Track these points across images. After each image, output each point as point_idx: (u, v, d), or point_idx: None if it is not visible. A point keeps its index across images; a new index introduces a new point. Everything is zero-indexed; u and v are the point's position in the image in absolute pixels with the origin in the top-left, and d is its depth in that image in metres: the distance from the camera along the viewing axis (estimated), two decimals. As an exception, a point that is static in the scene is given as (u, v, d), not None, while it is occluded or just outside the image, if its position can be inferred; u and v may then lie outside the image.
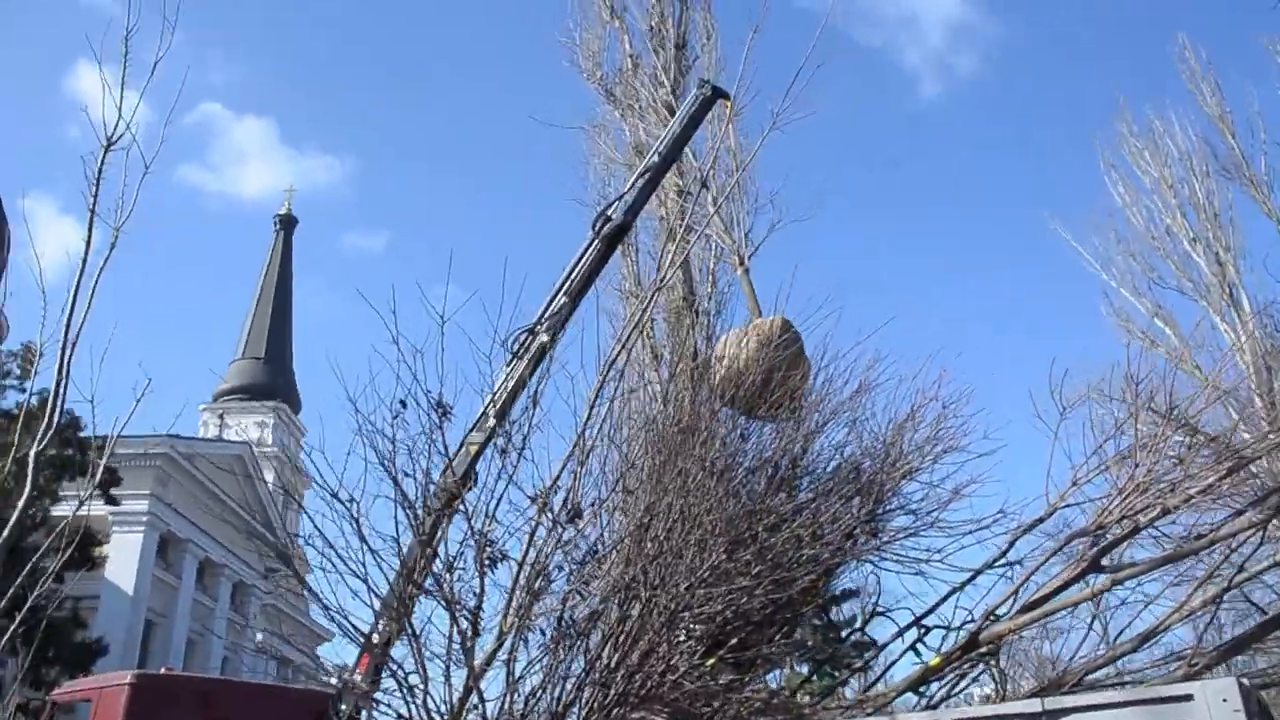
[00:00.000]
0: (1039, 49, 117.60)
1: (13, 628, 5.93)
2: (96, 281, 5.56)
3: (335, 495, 6.24)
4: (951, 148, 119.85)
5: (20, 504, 6.05)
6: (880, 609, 8.47)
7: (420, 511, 6.44)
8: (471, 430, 7.65)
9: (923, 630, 8.15)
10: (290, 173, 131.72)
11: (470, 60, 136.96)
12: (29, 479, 6.27)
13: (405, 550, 6.78)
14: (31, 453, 5.66)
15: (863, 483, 8.01)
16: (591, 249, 9.26)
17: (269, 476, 49.69)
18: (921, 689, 7.60)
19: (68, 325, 5.44)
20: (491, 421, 7.68)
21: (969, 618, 7.94)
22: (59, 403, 5.41)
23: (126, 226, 5.76)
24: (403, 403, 6.54)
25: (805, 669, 10.37)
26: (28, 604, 6.62)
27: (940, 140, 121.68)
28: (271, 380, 61.94)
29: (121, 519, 33.19)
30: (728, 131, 13.23)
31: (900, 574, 8.25)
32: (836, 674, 9.39)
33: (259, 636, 45.83)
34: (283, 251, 68.10)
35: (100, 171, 5.78)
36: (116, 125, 5.90)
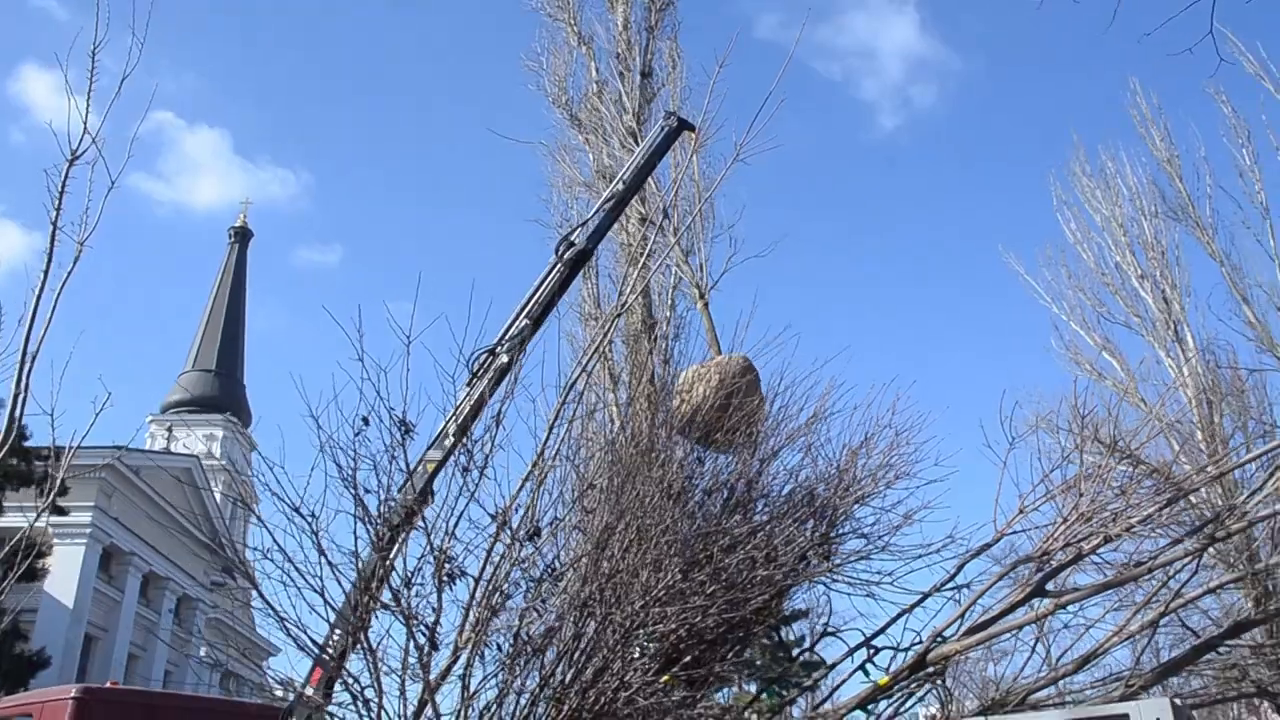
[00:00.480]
0: (995, 84, 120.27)
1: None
2: (58, 296, 5.57)
3: (297, 510, 6.27)
4: (910, 178, 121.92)
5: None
6: (830, 629, 8.66)
7: (380, 527, 6.48)
8: (430, 448, 7.72)
9: (872, 650, 8.34)
10: (243, 184, 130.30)
11: (428, 78, 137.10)
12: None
13: (363, 563, 6.83)
14: (-7, 461, 5.65)
15: (816, 506, 8.18)
16: (554, 273, 9.39)
17: (217, 489, 49.07)
18: (869, 707, 7.78)
19: (27, 338, 5.44)
20: (450, 440, 7.76)
21: (917, 639, 8.15)
22: (18, 415, 5.41)
23: (88, 240, 5.78)
24: (365, 419, 6.60)
25: (753, 688, 10.51)
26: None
27: (899, 171, 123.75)
28: (222, 393, 61.23)
29: (64, 531, 32.54)
30: (691, 162, 13.44)
31: (851, 595, 8.44)
32: (785, 693, 9.54)
33: (203, 650, 45.12)
34: (236, 264, 67.45)
35: (64, 186, 5.80)
36: (81, 139, 5.91)
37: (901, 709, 8.37)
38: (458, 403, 8.13)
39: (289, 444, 7.08)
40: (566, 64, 17.96)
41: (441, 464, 7.56)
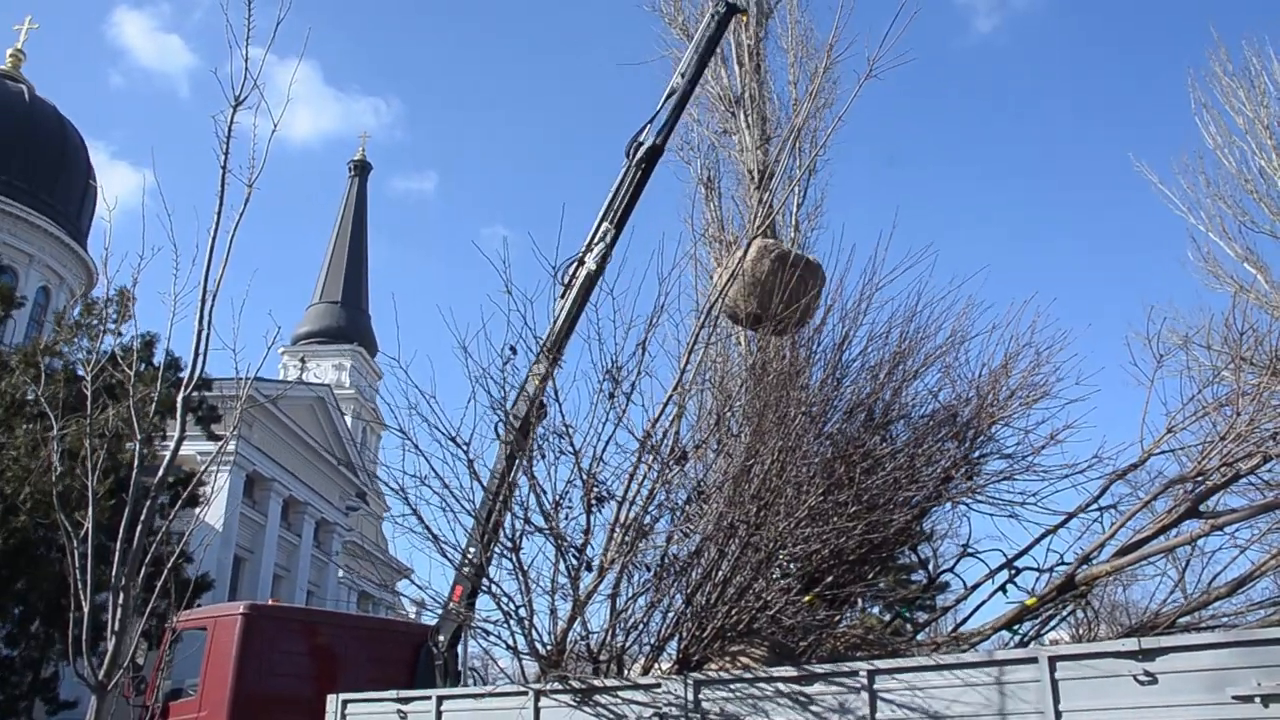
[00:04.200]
0: None
1: (135, 557, 6.28)
2: (233, 237, 5.83)
3: (453, 439, 6.51)
4: (1012, 86, 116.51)
5: (135, 446, 6.44)
6: (971, 550, 8.58)
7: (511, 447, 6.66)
8: (534, 363, 7.88)
9: (1014, 571, 8.27)
10: (336, 115, 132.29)
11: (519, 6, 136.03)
12: (146, 423, 6.67)
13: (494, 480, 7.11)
14: (179, 401, 6.01)
15: (958, 427, 8.09)
16: (629, 175, 9.50)
17: (348, 417, 51.02)
18: (1015, 628, 7.74)
19: (205, 277, 5.72)
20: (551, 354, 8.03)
21: (1060, 560, 8.04)
22: (203, 350, 5.72)
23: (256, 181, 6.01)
24: (513, 349, 6.78)
25: (877, 610, 10.56)
26: (153, 539, 6.97)
27: (1000, 78, 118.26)
28: (348, 324, 63.19)
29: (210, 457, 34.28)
30: (812, 81, 13.12)
31: (994, 516, 8.34)
32: (908, 614, 9.56)
33: (340, 572, 47.40)
34: (357, 197, 68.95)
35: (230, 130, 6.03)
36: (243, 85, 6.12)
37: (1042, 631, 8.32)
38: (555, 313, 8.30)
39: (413, 370, 7.26)
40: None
41: (547, 376, 7.71)
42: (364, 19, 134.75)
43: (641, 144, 9.59)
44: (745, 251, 9.82)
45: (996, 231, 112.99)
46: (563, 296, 8.66)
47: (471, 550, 7.36)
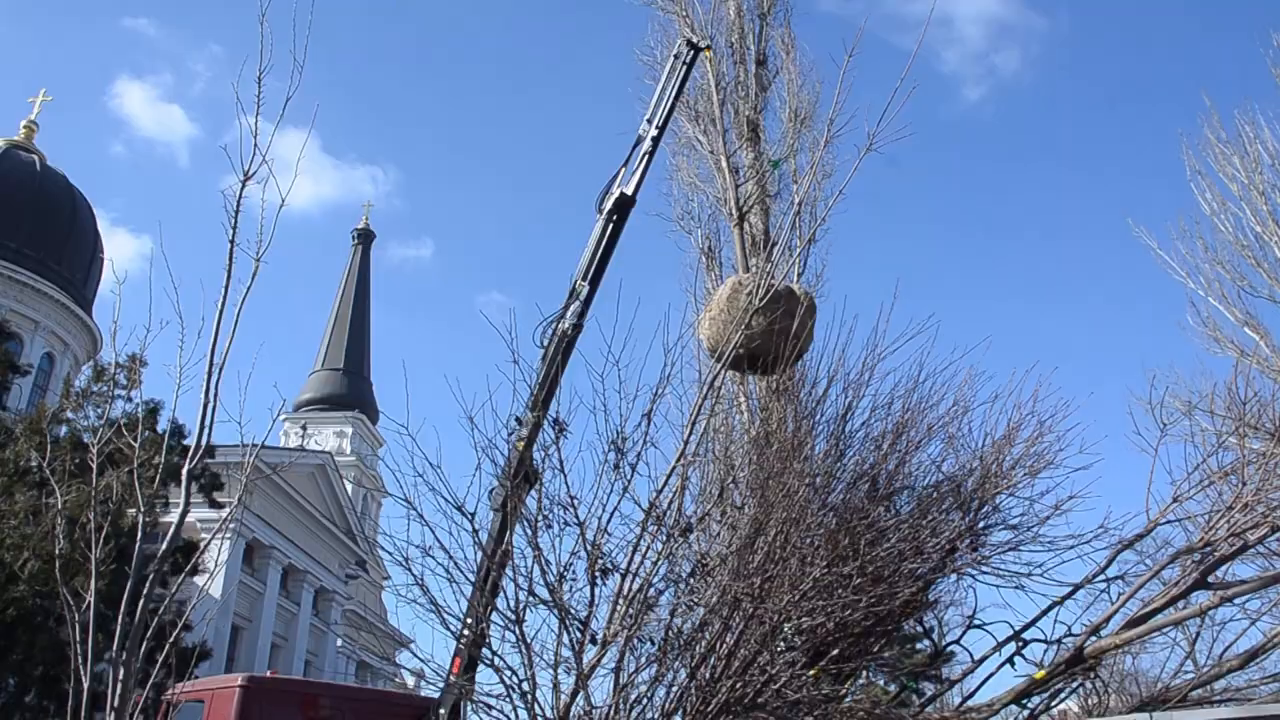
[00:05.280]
0: (1083, 44, 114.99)
1: (136, 629, 6.23)
2: (240, 310, 5.89)
3: (459, 509, 6.51)
4: (1003, 154, 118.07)
5: (140, 514, 6.43)
6: (978, 622, 8.50)
7: (536, 522, 6.66)
8: (520, 426, 7.86)
9: (1021, 644, 8.19)
10: (334, 183, 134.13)
11: (521, 69, 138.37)
12: (149, 491, 6.66)
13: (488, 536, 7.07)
14: (184, 473, 6.03)
15: (962, 497, 8.07)
16: (601, 230, 9.47)
17: (349, 484, 50.85)
18: (1024, 701, 7.65)
19: (213, 350, 5.77)
20: (534, 415, 7.99)
21: (1068, 632, 7.97)
22: (209, 423, 5.75)
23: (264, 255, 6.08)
24: (518, 419, 6.80)
25: (882, 680, 10.42)
26: (154, 611, 6.92)
27: (990, 147, 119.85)
28: (350, 391, 63.32)
29: (210, 526, 34.18)
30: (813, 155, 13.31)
31: (1000, 588, 8.28)
32: (915, 686, 9.44)
33: (339, 641, 46.83)
34: (360, 264, 69.56)
35: (239, 205, 6.11)
36: (252, 160, 6.22)
37: (1051, 705, 8.21)
38: (538, 373, 8.30)
39: (417, 438, 7.24)
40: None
41: (531, 441, 7.68)
42: (361, 88, 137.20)
43: (611, 195, 9.59)
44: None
45: (997, 299, 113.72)
46: (542, 358, 8.67)
47: (469, 620, 7.31)
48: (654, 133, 10.16)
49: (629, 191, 9.76)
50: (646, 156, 10.10)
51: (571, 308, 9.02)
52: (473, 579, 6.85)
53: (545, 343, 8.79)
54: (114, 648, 6.00)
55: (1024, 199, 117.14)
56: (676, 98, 10.67)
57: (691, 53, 10.67)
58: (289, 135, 6.57)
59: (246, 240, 6.09)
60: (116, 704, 5.53)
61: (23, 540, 16.31)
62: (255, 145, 6.14)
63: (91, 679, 6.03)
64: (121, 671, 5.65)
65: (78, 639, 5.92)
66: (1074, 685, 8.16)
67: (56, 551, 7.22)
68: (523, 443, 7.70)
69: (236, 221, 5.95)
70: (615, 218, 9.60)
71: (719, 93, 16.92)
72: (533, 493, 6.85)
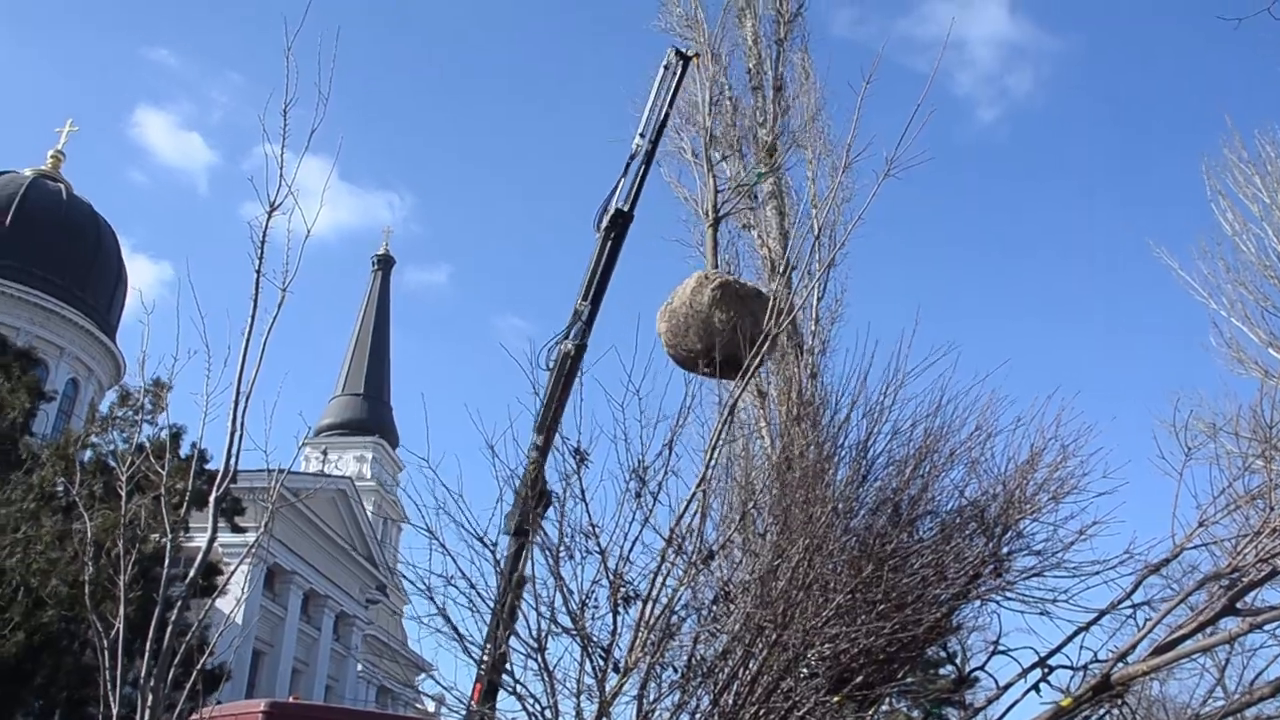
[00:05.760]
0: (1097, 64, 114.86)
1: (165, 655, 6.28)
2: (266, 340, 5.97)
3: (480, 539, 6.54)
4: (1018, 176, 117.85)
5: (169, 538, 6.51)
6: (1003, 648, 8.44)
7: (559, 551, 6.69)
8: (529, 449, 7.85)
9: (1046, 670, 8.12)
10: (351, 210, 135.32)
11: (535, 88, 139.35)
12: (175, 517, 6.75)
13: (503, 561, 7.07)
14: (211, 501, 6.09)
15: (986, 523, 8.04)
16: (601, 248, 9.40)
17: (369, 509, 50.99)
18: (1050, 730, 7.57)
19: (239, 380, 5.85)
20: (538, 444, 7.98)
21: (1094, 658, 7.90)
22: (236, 453, 5.82)
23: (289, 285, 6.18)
24: (536, 446, 6.83)
25: (904, 705, 10.31)
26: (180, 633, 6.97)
27: (1006, 169, 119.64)
28: (370, 416, 63.60)
29: (232, 551, 34.31)
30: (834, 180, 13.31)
31: (1024, 613, 8.22)
32: (940, 712, 9.36)
33: (360, 666, 46.83)
34: (380, 290, 70.04)
35: (265, 234, 6.21)
36: (278, 190, 6.32)
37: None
38: (543, 394, 8.28)
39: (437, 466, 7.27)
40: (697, 82, 18.09)
41: (541, 463, 7.67)
42: (374, 113, 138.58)
43: (608, 212, 9.54)
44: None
45: (1015, 320, 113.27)
46: (550, 379, 8.67)
47: (488, 647, 7.32)
48: (646, 146, 10.05)
49: (624, 207, 9.72)
50: (641, 170, 9.98)
51: (574, 328, 9.02)
52: (493, 606, 6.87)
53: (550, 364, 8.81)
54: (142, 673, 6.06)
55: (1041, 220, 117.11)
56: (669, 109, 10.52)
57: (681, 63, 10.54)
58: (307, 162, 6.66)
59: (271, 269, 6.19)
60: (144, 731, 5.58)
61: (50, 565, 16.46)
62: (281, 176, 6.25)
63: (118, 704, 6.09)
64: (150, 697, 5.70)
65: (107, 665, 5.98)
66: (1101, 712, 8.08)
67: (85, 577, 7.29)
68: (534, 466, 7.72)
69: (263, 252, 6.05)
70: (614, 235, 9.55)
71: (737, 118, 17.03)
72: (553, 521, 6.87)
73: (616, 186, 9.84)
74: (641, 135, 10.06)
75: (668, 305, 9.79)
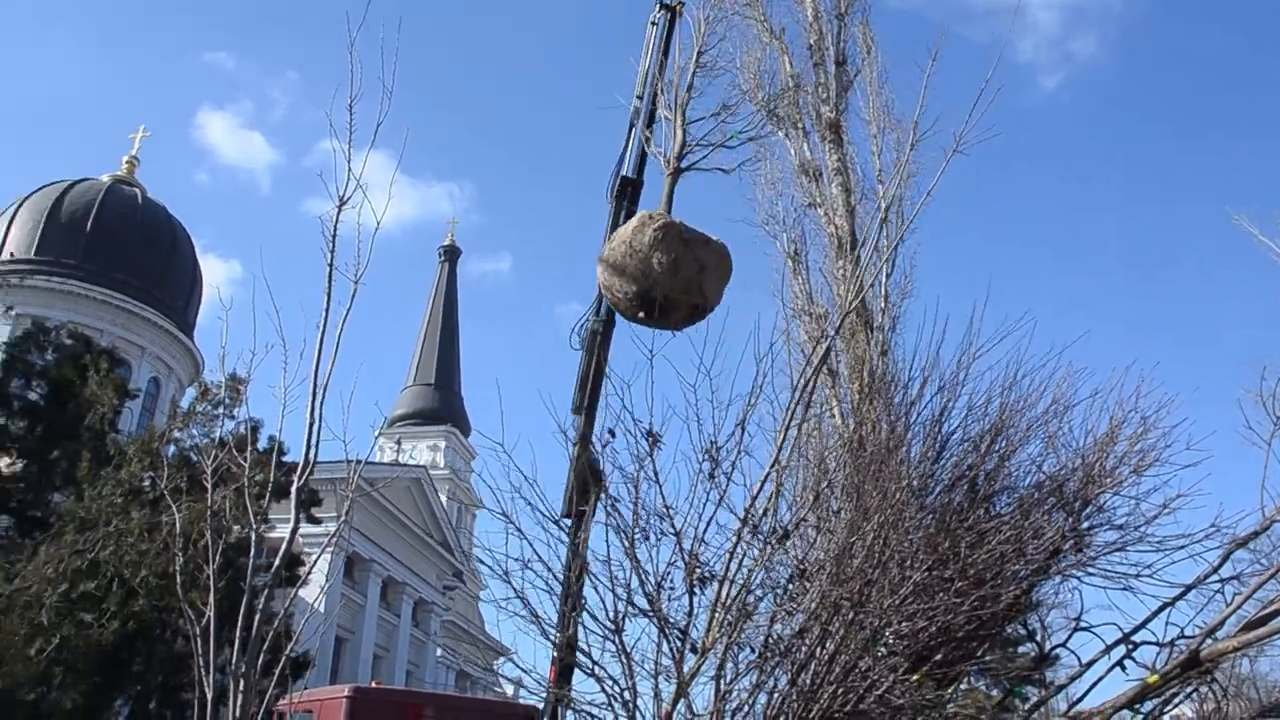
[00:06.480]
0: (1165, 25, 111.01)
1: (254, 643, 6.47)
2: (341, 331, 6.10)
3: (556, 521, 6.61)
4: (1085, 142, 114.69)
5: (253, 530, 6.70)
6: (1085, 625, 8.29)
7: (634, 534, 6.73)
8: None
9: (1131, 647, 7.97)
10: (412, 202, 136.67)
11: (592, 81, 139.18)
12: (257, 508, 6.95)
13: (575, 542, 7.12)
14: (293, 491, 6.25)
15: (1065, 498, 7.90)
16: (615, 217, 9.22)
17: (443, 497, 51.75)
18: (1137, 706, 7.44)
19: (316, 371, 5.99)
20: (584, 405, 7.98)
21: (1180, 634, 7.73)
22: (315, 443, 5.97)
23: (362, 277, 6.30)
24: (611, 432, 6.87)
25: (983, 684, 10.19)
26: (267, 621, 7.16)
27: (1071, 135, 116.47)
28: (442, 405, 64.47)
29: (312, 541, 35.09)
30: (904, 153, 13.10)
31: (1107, 589, 8.07)
32: (1020, 692, 9.22)
33: (439, 651, 47.65)
34: (447, 280, 70.84)
35: (335, 228, 6.33)
36: (346, 185, 6.43)
37: (1164, 711, 7.97)
38: (578, 373, 8.22)
39: (499, 451, 7.34)
40: (759, 60, 17.92)
41: (584, 441, 7.66)
42: (430, 105, 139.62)
43: (623, 177, 9.42)
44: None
45: (1092, 293, 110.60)
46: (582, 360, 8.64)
47: (560, 628, 7.39)
48: (635, 106, 9.78)
49: (630, 174, 9.56)
50: (643, 133, 9.67)
51: (602, 304, 8.96)
52: (561, 587, 6.95)
53: (580, 344, 8.79)
54: (232, 659, 6.25)
55: (1112, 189, 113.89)
56: (661, 64, 9.90)
57: (667, 15, 10.18)
58: (373, 157, 6.74)
59: (341, 263, 6.31)
60: (238, 713, 5.76)
61: (139, 557, 17.03)
62: (350, 171, 6.35)
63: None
64: (241, 682, 5.88)
65: (200, 650, 6.18)
66: (1189, 690, 7.91)
67: (175, 568, 7.54)
68: (579, 446, 7.74)
69: (334, 245, 6.17)
70: (624, 203, 9.42)
71: (800, 95, 16.85)
72: (627, 503, 6.90)
73: (624, 153, 9.73)
74: (638, 98, 9.87)
75: (607, 244, 8.86)
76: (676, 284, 7.80)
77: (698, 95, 9.41)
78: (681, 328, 8.26)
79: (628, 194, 9.44)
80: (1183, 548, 7.83)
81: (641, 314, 8.12)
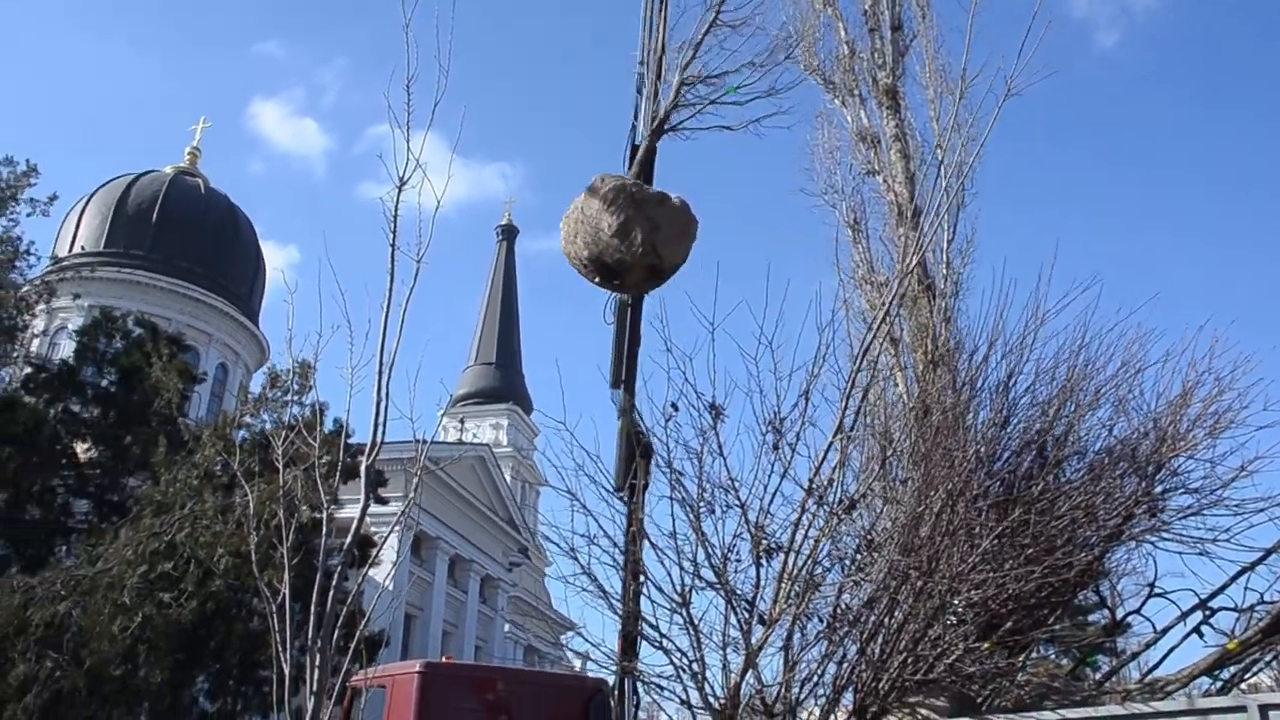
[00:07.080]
0: None
1: (328, 620, 6.59)
2: (405, 311, 6.18)
3: (620, 497, 6.65)
4: (1146, 99, 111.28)
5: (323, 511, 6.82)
6: (1160, 590, 8.15)
7: (699, 508, 6.75)
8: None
9: (1208, 612, 7.81)
10: (465, 182, 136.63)
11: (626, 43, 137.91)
12: (327, 488, 7.07)
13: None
14: (363, 470, 6.35)
15: (1137, 462, 7.74)
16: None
17: (508, 474, 52.31)
18: (1215, 673, 7.30)
19: (381, 350, 6.08)
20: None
21: (1261, 600, 7.57)
22: (382, 422, 6.07)
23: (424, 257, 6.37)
24: (674, 405, 6.88)
25: (1052, 653, 10.04)
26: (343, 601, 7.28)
27: (1133, 92, 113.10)
28: (503, 384, 65.03)
29: (380, 520, 35.67)
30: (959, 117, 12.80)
31: (1182, 554, 7.90)
32: (1092, 659, 9.09)
33: (506, 627, 48.31)
34: (506, 260, 71.25)
35: (396, 209, 6.39)
36: (405, 166, 6.48)
37: (1244, 677, 7.80)
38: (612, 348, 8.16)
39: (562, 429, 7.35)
40: (814, 29, 17.65)
41: (628, 414, 7.62)
42: (480, 85, 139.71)
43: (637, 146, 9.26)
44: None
45: (1161, 252, 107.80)
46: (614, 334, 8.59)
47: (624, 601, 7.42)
48: (639, 69, 9.56)
49: (641, 143, 9.39)
50: (650, 97, 9.43)
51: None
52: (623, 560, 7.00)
53: (611, 318, 8.73)
54: (309, 636, 6.40)
55: (1173, 148, 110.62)
56: (663, 28, 9.73)
57: None
58: (417, 139, 6.75)
59: (402, 244, 6.38)
60: (315, 688, 5.90)
61: (214, 538, 17.47)
62: (409, 152, 6.40)
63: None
64: (318, 658, 6.01)
65: (276, 628, 6.32)
66: (1269, 656, 7.74)
67: (251, 547, 7.71)
68: (626, 413, 7.72)
69: (396, 226, 6.23)
70: (640, 173, 9.25)
71: (855, 63, 16.56)
72: (692, 477, 6.91)
73: (633, 124, 9.59)
74: (641, 64, 9.72)
75: (568, 209, 8.77)
76: (627, 246, 7.77)
77: (733, 52, 9.22)
78: (645, 289, 8.22)
79: (643, 163, 9.17)
80: (1262, 510, 7.64)
81: (597, 278, 8.13)
